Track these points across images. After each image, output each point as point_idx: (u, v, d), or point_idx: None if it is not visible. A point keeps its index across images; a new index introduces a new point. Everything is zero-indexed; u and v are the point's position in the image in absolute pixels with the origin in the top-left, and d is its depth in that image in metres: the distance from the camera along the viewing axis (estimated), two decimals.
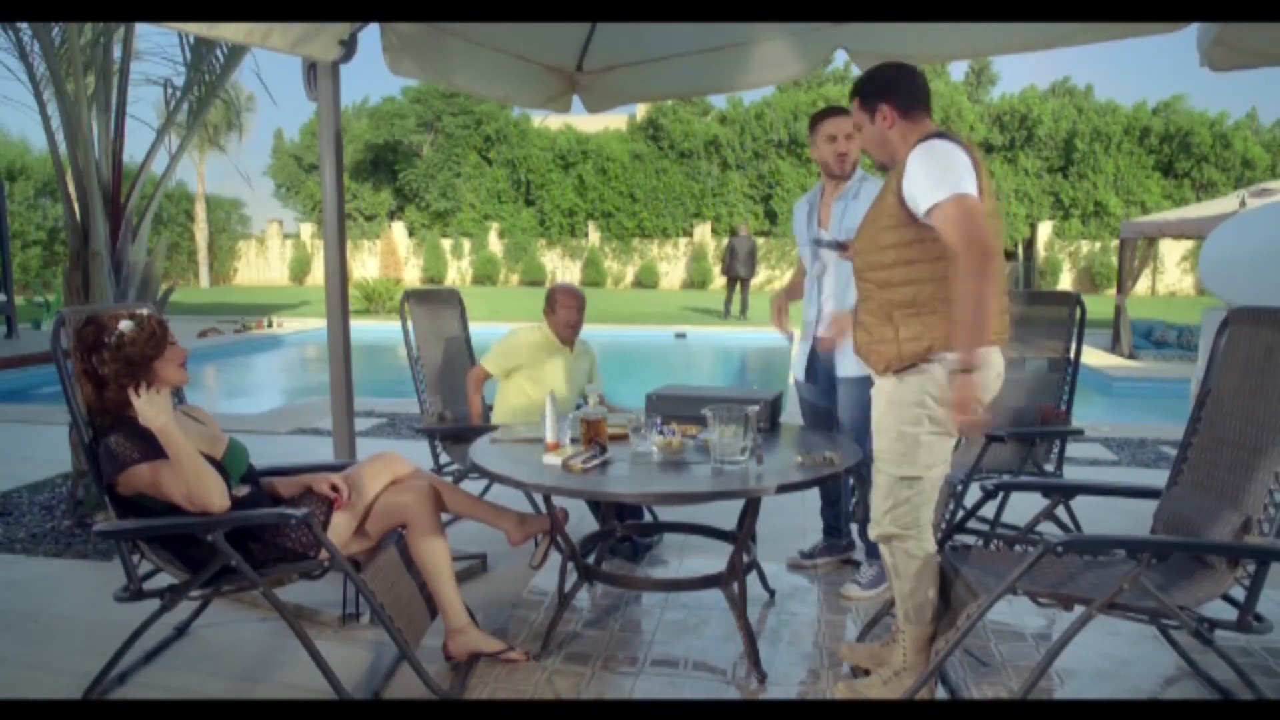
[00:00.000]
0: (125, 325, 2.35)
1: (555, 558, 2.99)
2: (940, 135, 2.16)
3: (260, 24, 2.68)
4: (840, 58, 3.57)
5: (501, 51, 3.84)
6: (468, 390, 3.90)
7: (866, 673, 2.53)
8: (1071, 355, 3.59)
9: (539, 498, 3.20)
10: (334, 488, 2.58)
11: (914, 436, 2.20)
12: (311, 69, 3.32)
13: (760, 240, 25.89)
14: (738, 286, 16.72)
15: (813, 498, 3.53)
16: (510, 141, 28.08)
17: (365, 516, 2.61)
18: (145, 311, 2.43)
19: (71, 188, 4.00)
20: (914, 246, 2.16)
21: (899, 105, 2.24)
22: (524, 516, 2.82)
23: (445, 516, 2.72)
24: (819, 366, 3.35)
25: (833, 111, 3.12)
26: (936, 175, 2.06)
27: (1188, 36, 3.16)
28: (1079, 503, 2.98)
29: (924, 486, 2.24)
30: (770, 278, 25.98)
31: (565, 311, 3.82)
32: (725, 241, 21.85)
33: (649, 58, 4.09)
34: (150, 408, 2.26)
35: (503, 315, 14.98)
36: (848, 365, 3.16)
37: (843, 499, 3.47)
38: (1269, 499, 2.17)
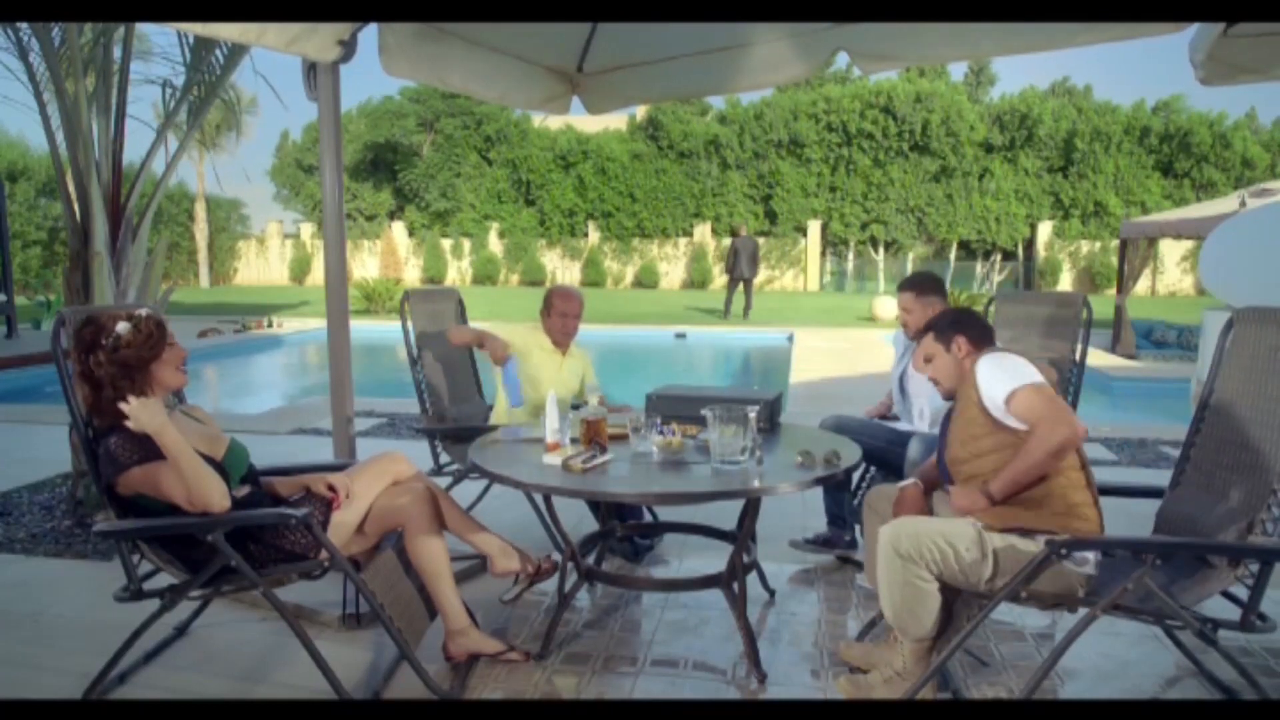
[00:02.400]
0: (122, 327, 2.32)
1: (555, 556, 2.98)
2: (1000, 350, 2.41)
3: (256, 23, 2.68)
4: (841, 59, 3.56)
5: (499, 52, 3.83)
6: (463, 336, 3.78)
7: (866, 671, 2.53)
8: (1077, 357, 3.59)
9: (541, 503, 3.20)
10: (330, 488, 2.57)
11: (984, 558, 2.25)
12: (311, 69, 3.32)
13: (760, 240, 25.93)
14: (740, 287, 16.71)
15: (812, 497, 3.54)
16: (510, 141, 28.10)
17: (365, 517, 2.61)
18: (144, 312, 2.40)
19: (71, 188, 4.00)
20: (1011, 449, 2.29)
21: (971, 338, 2.46)
22: (511, 552, 2.78)
23: None
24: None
25: (899, 288, 3.51)
26: (1011, 370, 2.29)
27: (1187, 37, 3.16)
28: None
29: (961, 558, 2.23)
30: (770, 277, 26.01)
31: (560, 318, 3.73)
32: (727, 242, 21.87)
33: (650, 59, 4.07)
34: (143, 412, 2.25)
35: (503, 315, 14.98)
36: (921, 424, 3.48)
37: (847, 485, 3.49)
38: (1273, 499, 2.17)
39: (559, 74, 4.19)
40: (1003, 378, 2.28)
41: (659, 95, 4.45)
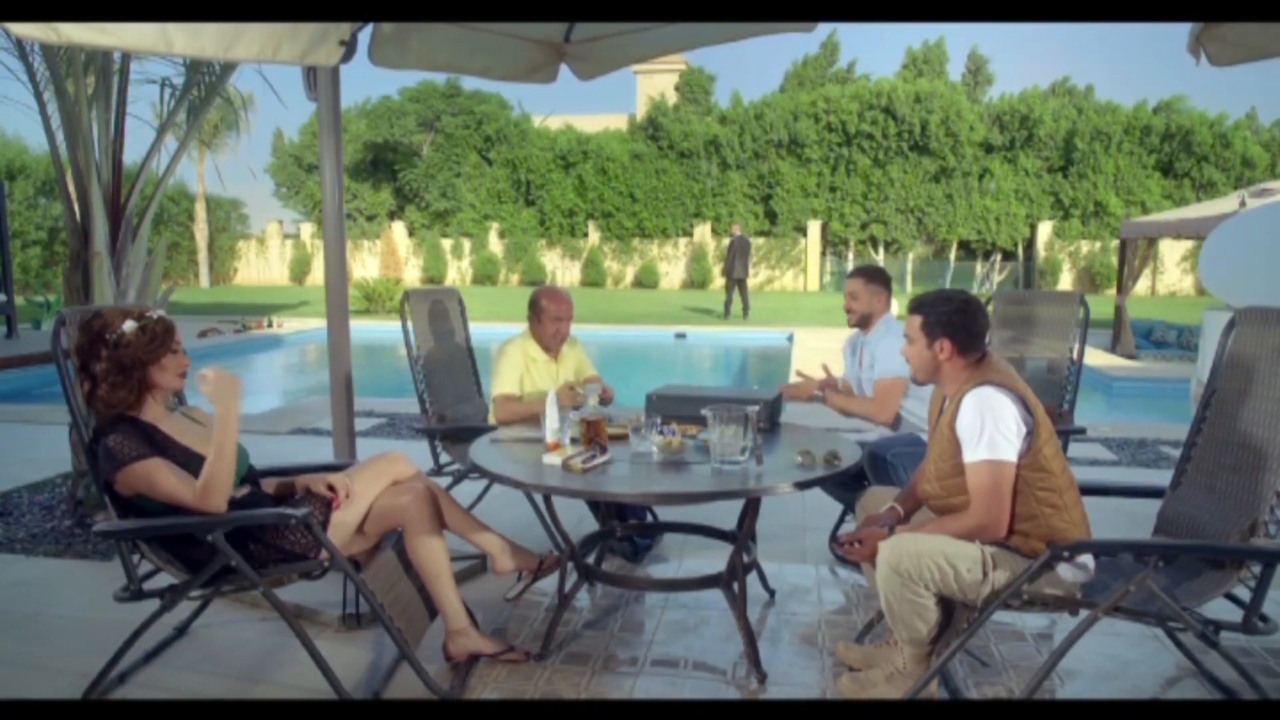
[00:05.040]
0: (128, 326, 2.33)
1: (556, 554, 2.98)
2: (991, 383, 2.25)
3: (270, 42, 2.66)
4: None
5: (486, 30, 3.76)
6: (511, 415, 3.51)
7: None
8: (1074, 355, 3.59)
9: (541, 503, 3.20)
10: (330, 488, 2.57)
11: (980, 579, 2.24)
12: (311, 70, 3.32)
13: (760, 240, 25.93)
14: (735, 288, 16.71)
15: (812, 498, 3.53)
16: (510, 141, 28.09)
17: (365, 517, 2.61)
18: (156, 315, 2.41)
19: (71, 188, 4.00)
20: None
21: (958, 345, 2.35)
22: (515, 549, 2.78)
23: None
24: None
25: (848, 275, 3.62)
26: (987, 431, 2.20)
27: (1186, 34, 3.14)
28: None
29: (962, 577, 2.22)
30: (770, 277, 26.01)
31: (554, 323, 3.62)
32: (726, 242, 21.86)
33: (639, 27, 3.97)
34: (221, 385, 2.27)
35: (503, 315, 14.97)
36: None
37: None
38: (1275, 500, 2.17)
39: (545, 44, 4.11)
40: (978, 437, 2.21)
41: (651, 53, 4.28)
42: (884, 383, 3.32)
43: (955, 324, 2.35)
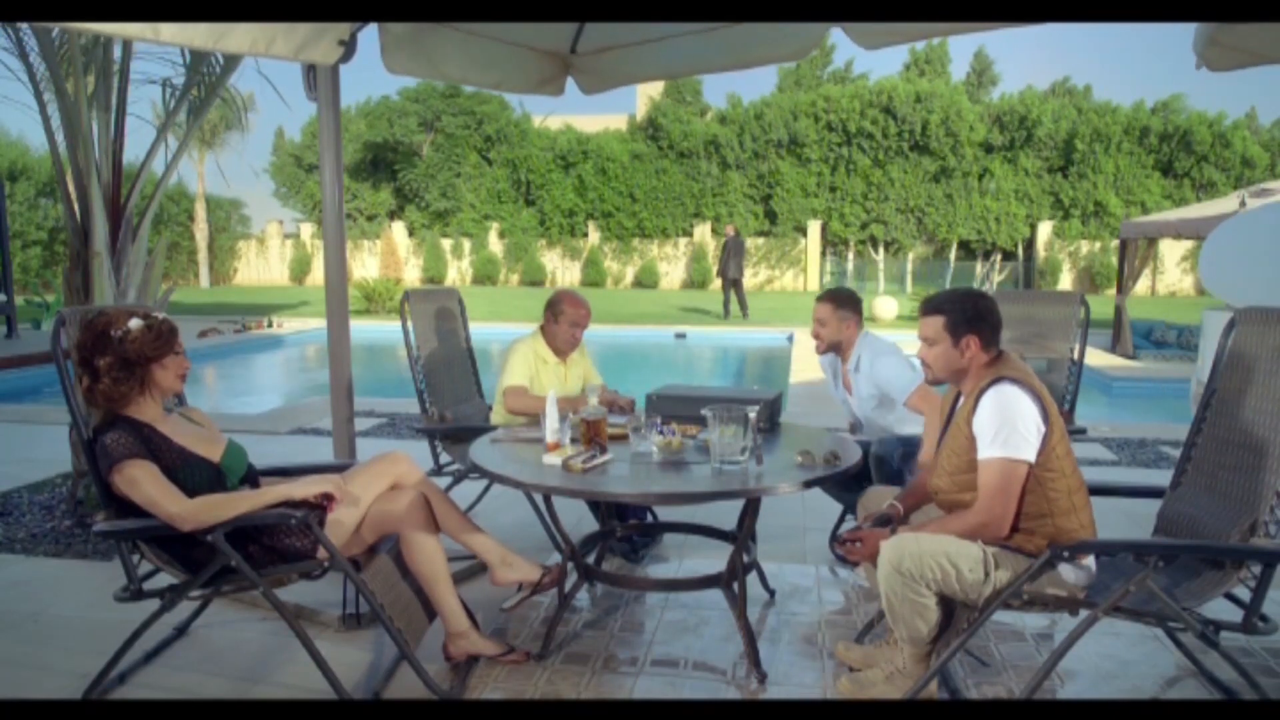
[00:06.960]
0: (134, 323, 2.35)
1: (555, 557, 2.98)
2: (1011, 380, 2.25)
3: (264, 34, 2.67)
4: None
5: (493, 38, 3.78)
6: (523, 407, 3.52)
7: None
8: (1075, 355, 3.59)
9: (541, 503, 3.20)
10: (325, 496, 2.48)
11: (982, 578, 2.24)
12: (311, 69, 3.32)
13: (760, 240, 25.93)
14: (731, 288, 16.70)
15: (812, 498, 3.53)
16: (510, 141, 28.08)
17: (363, 519, 2.60)
18: (160, 315, 2.43)
19: (71, 188, 4.00)
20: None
21: (983, 340, 2.35)
22: (512, 560, 2.70)
23: None
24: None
25: (818, 299, 3.46)
26: (1005, 428, 2.20)
27: (1187, 35, 3.15)
28: None
29: (964, 577, 2.22)
30: (770, 277, 26.00)
31: (570, 328, 3.61)
32: (723, 242, 21.88)
33: (645, 38, 4.00)
34: (320, 487, 2.42)
35: (503, 315, 14.98)
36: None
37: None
38: (1275, 500, 2.17)
39: (552, 56, 4.13)
40: (994, 434, 2.21)
41: (654, 74, 4.33)
42: (914, 399, 3.16)
43: (980, 318, 2.34)
